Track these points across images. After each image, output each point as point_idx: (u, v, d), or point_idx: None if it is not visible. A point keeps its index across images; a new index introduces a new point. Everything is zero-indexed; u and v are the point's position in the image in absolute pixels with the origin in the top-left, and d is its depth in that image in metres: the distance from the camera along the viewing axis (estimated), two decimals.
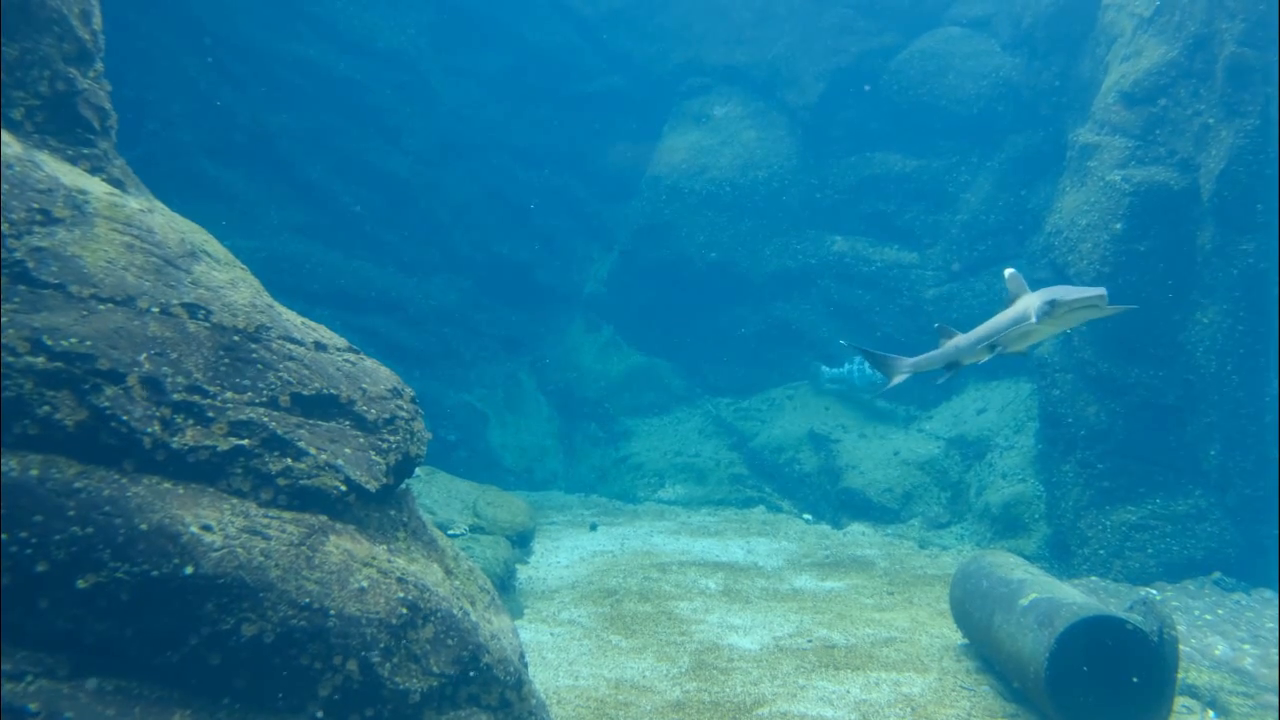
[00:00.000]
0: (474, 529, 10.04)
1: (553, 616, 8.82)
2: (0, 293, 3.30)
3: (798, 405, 15.16)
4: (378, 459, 4.04)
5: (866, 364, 14.43)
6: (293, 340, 4.07)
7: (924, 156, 15.25)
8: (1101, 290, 5.83)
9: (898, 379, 7.57)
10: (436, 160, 16.51)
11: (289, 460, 3.73)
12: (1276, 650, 7.72)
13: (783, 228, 15.88)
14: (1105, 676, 6.27)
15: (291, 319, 4.25)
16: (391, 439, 4.15)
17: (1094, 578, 10.10)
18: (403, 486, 4.38)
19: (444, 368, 16.01)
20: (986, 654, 7.35)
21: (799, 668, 7.55)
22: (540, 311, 17.20)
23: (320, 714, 3.52)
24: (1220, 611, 8.90)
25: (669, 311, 16.31)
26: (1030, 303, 6.17)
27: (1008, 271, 6.81)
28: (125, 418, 3.38)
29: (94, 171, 4.23)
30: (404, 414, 4.28)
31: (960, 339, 7.06)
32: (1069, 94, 13.07)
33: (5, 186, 3.51)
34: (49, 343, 3.30)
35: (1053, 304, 5.84)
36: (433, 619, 3.90)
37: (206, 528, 3.37)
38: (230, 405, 3.66)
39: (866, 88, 15.52)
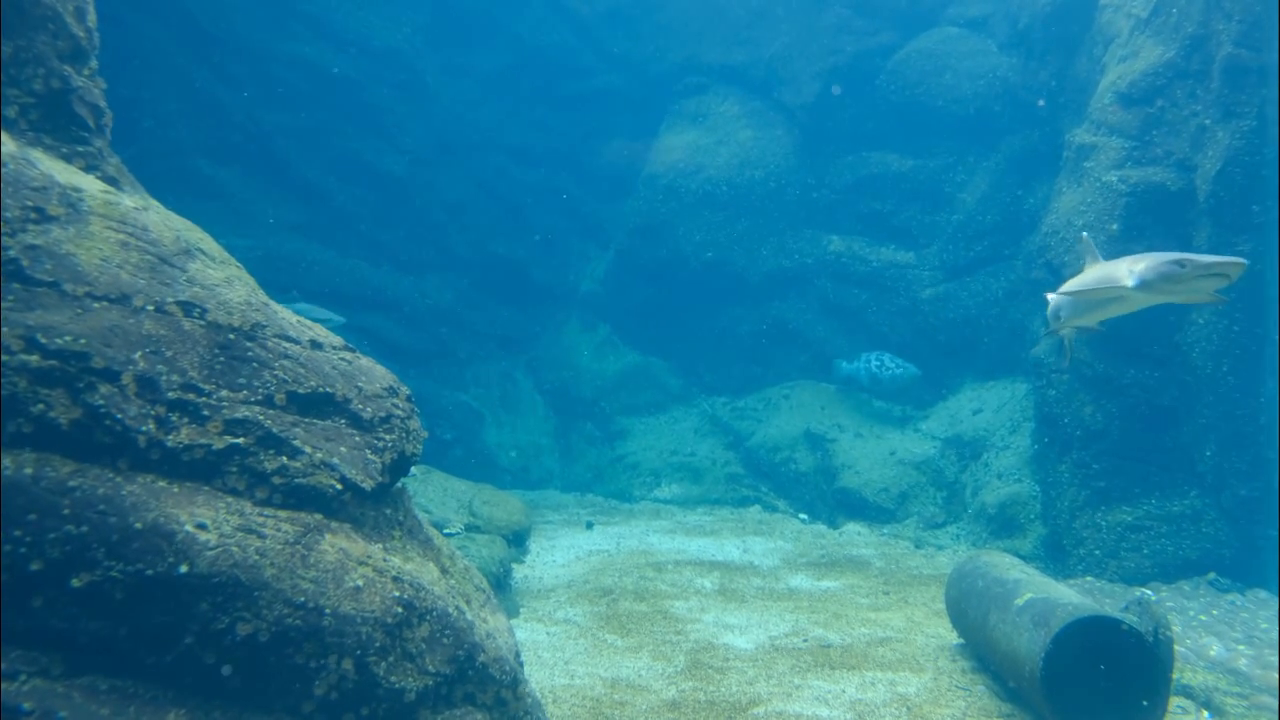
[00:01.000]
0: (470, 528, 10.02)
1: (549, 615, 8.81)
2: None
3: (794, 405, 15.16)
4: (373, 457, 4.03)
5: (874, 364, 14.33)
6: (288, 338, 4.06)
7: (920, 156, 15.26)
8: (1241, 261, 5.28)
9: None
10: (433, 159, 16.48)
11: (284, 459, 3.72)
12: (1273, 650, 7.73)
13: (779, 227, 15.88)
14: (1101, 677, 6.27)
15: (287, 317, 4.24)
16: (387, 437, 4.14)
17: (1089, 578, 10.11)
18: (399, 485, 4.37)
19: (440, 367, 15.99)
20: (982, 654, 7.36)
21: (794, 667, 7.55)
22: (536, 310, 17.19)
23: (315, 713, 3.51)
24: (1215, 612, 8.91)
25: (665, 311, 16.30)
26: (1121, 268, 5.63)
27: (1085, 235, 6.25)
28: (120, 416, 3.37)
29: (89, 169, 4.22)
30: (400, 412, 4.27)
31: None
32: (1066, 94, 13.08)
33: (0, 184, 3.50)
34: (43, 341, 3.28)
35: (1181, 264, 5.24)
36: (428, 618, 3.89)
37: (201, 526, 3.36)
38: (225, 404, 3.65)
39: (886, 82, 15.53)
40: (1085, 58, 12.65)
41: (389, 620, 3.69)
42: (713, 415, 15.73)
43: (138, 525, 3.24)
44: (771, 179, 15.91)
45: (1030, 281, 12.93)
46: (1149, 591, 9.34)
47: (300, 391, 3.91)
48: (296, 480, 3.72)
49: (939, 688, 7.16)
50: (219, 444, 3.57)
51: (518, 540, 10.75)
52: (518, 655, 4.66)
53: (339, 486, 3.83)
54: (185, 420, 3.53)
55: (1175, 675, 6.49)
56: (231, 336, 3.83)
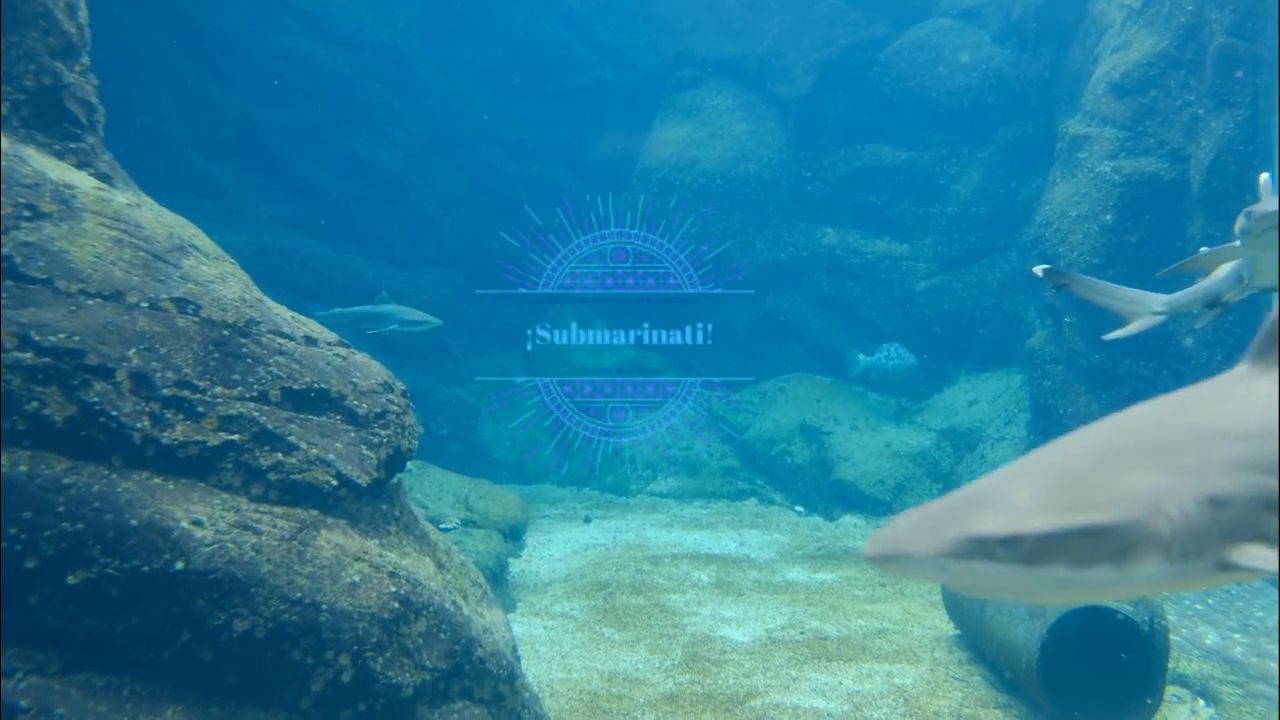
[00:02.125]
0: (466, 523, 10.02)
1: (545, 610, 8.82)
2: None
3: (790, 397, 15.17)
4: (369, 453, 4.03)
5: (892, 354, 14.22)
6: (283, 335, 4.06)
7: (915, 148, 15.26)
8: None
9: (1140, 324, 6.17)
10: (426, 154, 16.44)
11: (280, 455, 3.71)
12: (1269, 638, 7.75)
13: (774, 220, 15.87)
14: (1097, 666, 6.29)
15: (281, 313, 4.23)
16: (383, 433, 4.13)
17: None
18: (394, 481, 4.37)
19: (435, 362, 15.96)
20: (979, 645, 7.37)
21: (792, 659, 7.56)
22: (532, 305, 17.15)
23: (313, 709, 3.52)
24: (1210, 601, 8.94)
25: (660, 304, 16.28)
26: None
27: (1264, 176, 5.09)
28: (114, 413, 3.36)
29: (81, 166, 4.20)
30: (395, 408, 4.27)
31: (1219, 272, 5.67)
32: (1059, 85, 13.09)
33: None
34: (37, 338, 3.28)
35: (1248, 216, 4.52)
36: (425, 613, 3.89)
37: (197, 523, 3.36)
38: (220, 400, 3.65)
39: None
40: (1078, 48, 12.66)
41: (386, 616, 3.69)
42: (708, 409, 15.73)
43: (133, 522, 3.23)
44: (766, 172, 15.89)
45: (1025, 273, 12.93)
46: None
47: (295, 387, 3.91)
48: (292, 476, 3.72)
49: (936, 679, 7.18)
50: (214, 440, 3.57)
51: (514, 535, 10.75)
52: (515, 650, 4.66)
53: (334, 482, 3.83)
54: (180, 417, 3.53)
55: (1171, 664, 6.51)
56: (226, 333, 3.82)
